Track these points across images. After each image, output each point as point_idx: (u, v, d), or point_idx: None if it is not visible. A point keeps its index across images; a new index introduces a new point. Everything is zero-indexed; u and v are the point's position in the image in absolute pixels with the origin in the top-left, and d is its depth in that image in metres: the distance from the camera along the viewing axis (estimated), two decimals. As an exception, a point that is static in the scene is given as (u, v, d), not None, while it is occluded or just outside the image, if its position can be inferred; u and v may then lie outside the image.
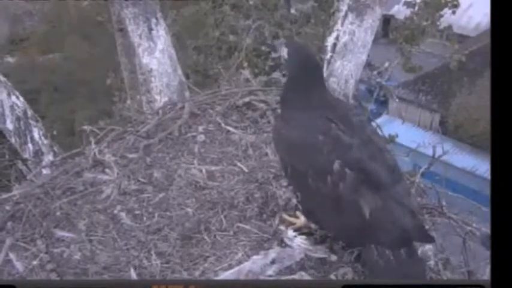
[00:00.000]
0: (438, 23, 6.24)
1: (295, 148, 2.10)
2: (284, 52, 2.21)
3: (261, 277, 2.09)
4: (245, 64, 5.35)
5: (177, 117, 3.27)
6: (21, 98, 3.75)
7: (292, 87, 2.19)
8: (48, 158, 3.65)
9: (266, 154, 2.89)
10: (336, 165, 1.97)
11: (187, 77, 4.62)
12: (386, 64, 6.14)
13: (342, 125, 2.05)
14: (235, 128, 3.17)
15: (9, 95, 3.67)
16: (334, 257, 2.18)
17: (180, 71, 3.90)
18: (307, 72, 2.16)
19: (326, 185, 1.98)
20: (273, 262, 2.14)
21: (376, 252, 1.96)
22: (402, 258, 1.95)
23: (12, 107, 3.64)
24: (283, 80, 6.26)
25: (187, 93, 3.86)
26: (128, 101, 4.61)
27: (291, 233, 2.28)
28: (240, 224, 2.38)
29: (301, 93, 2.15)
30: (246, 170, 2.74)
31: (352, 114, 2.17)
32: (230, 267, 2.15)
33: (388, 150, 2.19)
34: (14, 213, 2.53)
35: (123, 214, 2.49)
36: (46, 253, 2.27)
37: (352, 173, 1.96)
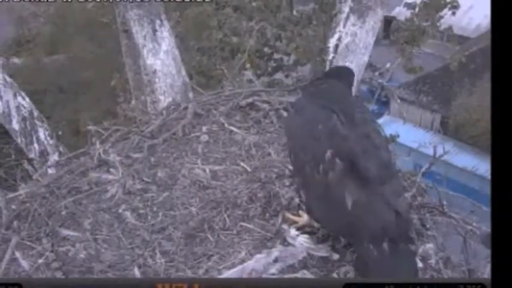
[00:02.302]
0: (438, 24, 6.26)
1: (297, 136, 2.17)
2: None
3: (264, 275, 2.10)
4: (248, 65, 5.38)
5: (181, 118, 3.29)
6: (27, 99, 3.79)
7: (316, 85, 2.33)
8: (54, 157, 3.69)
9: (269, 154, 2.91)
10: (328, 154, 2.00)
11: (190, 77, 4.64)
12: (388, 65, 6.17)
13: (343, 117, 2.08)
14: (239, 128, 3.19)
15: (15, 95, 3.71)
16: (336, 256, 2.19)
17: (183, 72, 3.93)
18: (338, 78, 2.35)
19: (318, 173, 2.02)
20: (275, 261, 2.15)
21: (364, 247, 1.95)
22: (385, 255, 1.92)
23: (18, 108, 3.68)
24: (286, 80, 6.30)
25: (191, 94, 3.89)
26: (133, 102, 4.64)
27: (293, 231, 2.29)
28: (243, 223, 2.40)
29: (318, 91, 2.28)
30: (249, 170, 2.76)
31: (357, 110, 2.19)
32: (233, 265, 2.16)
33: (386, 149, 2.18)
34: (20, 213, 2.55)
35: (127, 213, 2.52)
36: (52, 252, 2.29)
37: (342, 164, 1.98)
